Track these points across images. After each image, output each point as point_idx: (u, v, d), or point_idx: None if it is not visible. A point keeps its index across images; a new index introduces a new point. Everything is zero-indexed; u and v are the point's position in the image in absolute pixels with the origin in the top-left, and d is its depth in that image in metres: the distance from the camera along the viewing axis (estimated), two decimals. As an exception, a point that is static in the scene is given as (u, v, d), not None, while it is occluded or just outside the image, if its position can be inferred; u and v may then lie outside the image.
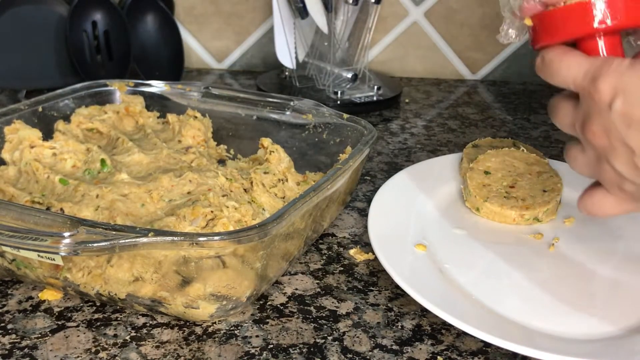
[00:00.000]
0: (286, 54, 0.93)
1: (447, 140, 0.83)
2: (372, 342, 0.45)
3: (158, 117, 0.70)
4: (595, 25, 0.39)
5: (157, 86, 0.71)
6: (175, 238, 0.40)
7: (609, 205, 0.42)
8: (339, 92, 0.91)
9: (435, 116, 0.92)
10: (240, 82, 1.05)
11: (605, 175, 0.40)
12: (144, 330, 0.46)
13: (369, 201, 0.63)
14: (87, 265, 0.45)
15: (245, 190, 0.55)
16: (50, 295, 0.49)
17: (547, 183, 0.61)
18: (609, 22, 0.39)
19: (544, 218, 0.59)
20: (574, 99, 0.41)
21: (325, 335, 0.46)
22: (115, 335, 0.45)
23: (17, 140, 0.59)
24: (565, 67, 0.40)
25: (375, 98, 0.93)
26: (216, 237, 0.41)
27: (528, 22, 0.42)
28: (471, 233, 0.58)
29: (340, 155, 0.59)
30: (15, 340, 0.44)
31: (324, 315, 0.48)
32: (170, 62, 0.99)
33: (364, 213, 0.63)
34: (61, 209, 0.50)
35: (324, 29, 0.89)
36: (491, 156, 0.65)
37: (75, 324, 0.46)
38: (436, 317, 0.45)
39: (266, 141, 0.60)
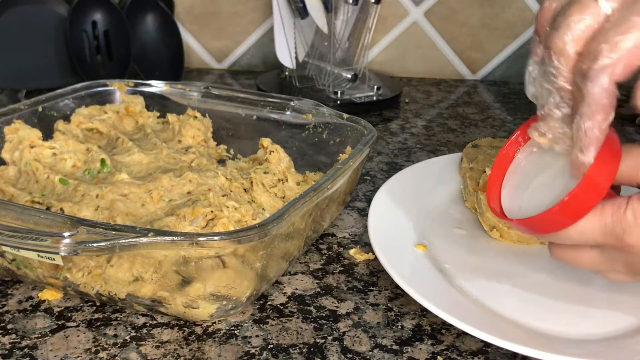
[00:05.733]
0: (286, 54, 0.93)
1: (447, 140, 0.83)
2: (372, 342, 0.45)
3: (158, 117, 0.70)
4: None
5: (157, 86, 0.71)
6: (175, 238, 0.40)
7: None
8: (339, 92, 0.91)
9: (435, 116, 0.92)
10: (240, 82, 1.05)
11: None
12: (144, 330, 0.46)
13: (369, 201, 0.63)
14: (87, 265, 0.45)
15: (245, 190, 0.55)
16: (50, 295, 0.49)
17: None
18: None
19: None
20: (592, 247, 0.41)
21: (325, 335, 0.46)
22: (115, 335, 0.45)
23: (17, 140, 0.59)
24: (578, 234, 0.39)
25: (375, 98, 0.93)
26: (216, 237, 0.41)
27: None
28: (471, 233, 0.58)
29: (340, 155, 0.59)
30: (15, 340, 0.44)
31: (324, 315, 0.48)
32: (170, 62, 0.99)
33: (364, 213, 0.63)
34: (61, 209, 0.50)
35: (324, 29, 0.89)
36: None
37: (75, 324, 0.46)
38: (436, 317, 0.45)
39: (266, 141, 0.60)
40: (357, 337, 0.46)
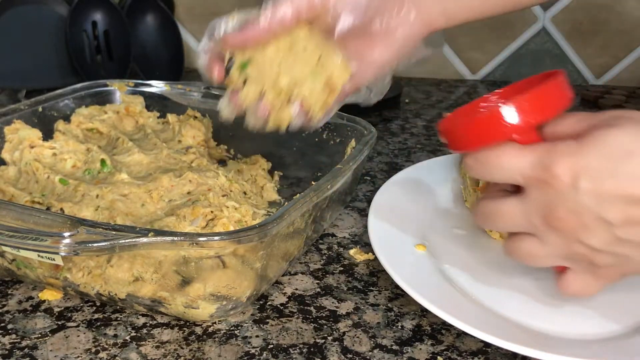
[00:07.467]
0: (286, 54, 0.93)
1: (447, 140, 0.83)
2: (372, 342, 0.45)
3: (158, 117, 0.70)
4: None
5: (157, 86, 0.71)
6: (175, 238, 0.40)
7: (585, 285, 0.42)
8: (339, 92, 0.91)
9: (435, 116, 0.92)
10: (240, 82, 1.05)
11: (576, 256, 0.40)
12: (144, 330, 0.46)
13: (369, 201, 0.63)
14: (87, 265, 0.45)
15: (244, 193, 0.55)
16: (50, 295, 0.49)
17: None
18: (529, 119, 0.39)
19: None
20: (514, 196, 0.40)
21: (325, 335, 0.46)
22: (115, 335, 0.45)
23: (17, 140, 0.59)
24: (506, 162, 0.39)
25: (375, 98, 0.92)
26: (216, 237, 0.41)
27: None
28: (471, 233, 0.58)
29: (341, 155, 0.59)
30: (15, 340, 0.44)
31: (324, 315, 0.48)
32: (170, 62, 0.99)
33: (364, 213, 0.63)
34: (61, 209, 0.50)
35: (324, 29, 0.89)
36: None
37: (75, 324, 0.46)
38: (436, 317, 0.45)
39: None
40: (357, 337, 0.46)
